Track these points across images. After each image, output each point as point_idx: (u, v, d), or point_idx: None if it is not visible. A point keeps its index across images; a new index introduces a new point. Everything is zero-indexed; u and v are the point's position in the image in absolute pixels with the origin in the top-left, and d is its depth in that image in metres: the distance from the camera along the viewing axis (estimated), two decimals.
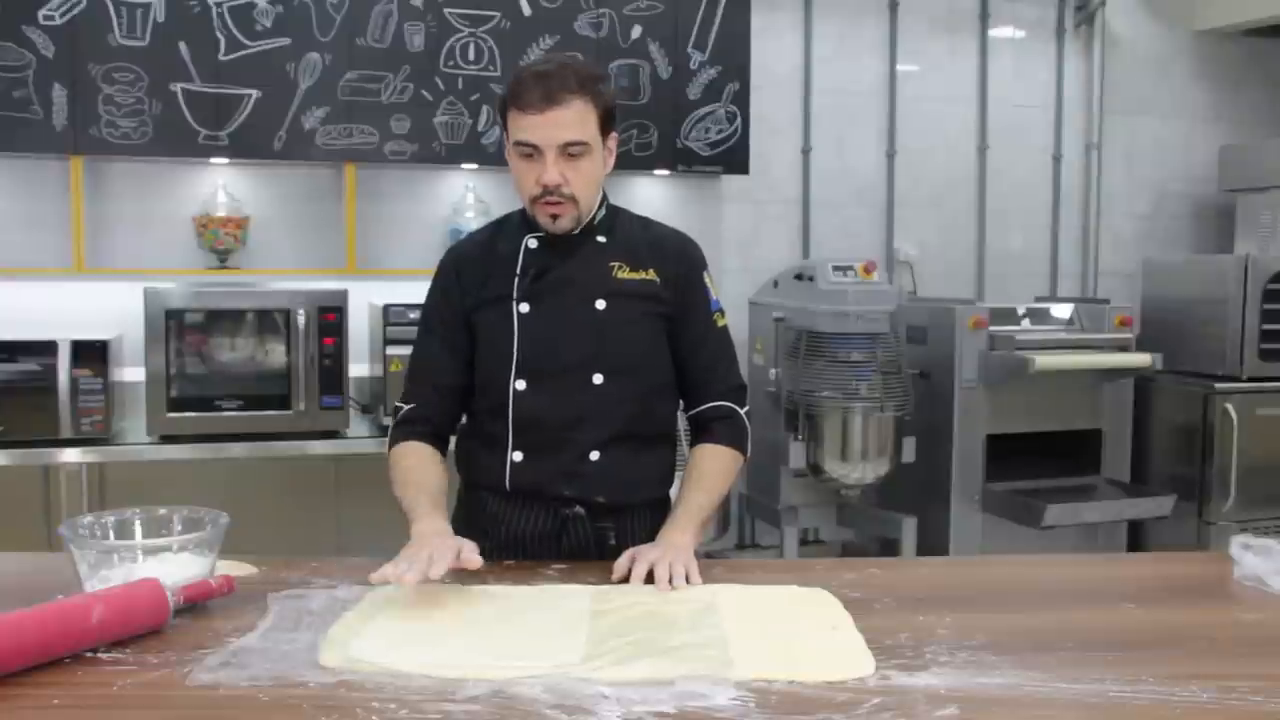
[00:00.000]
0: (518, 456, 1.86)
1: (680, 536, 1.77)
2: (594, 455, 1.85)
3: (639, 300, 1.87)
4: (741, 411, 1.96)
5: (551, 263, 1.86)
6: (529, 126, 1.74)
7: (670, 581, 1.63)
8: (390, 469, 1.87)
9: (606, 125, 1.81)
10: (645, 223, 1.97)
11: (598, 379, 1.84)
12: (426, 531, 1.66)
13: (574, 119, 1.74)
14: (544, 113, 1.73)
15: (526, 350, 1.84)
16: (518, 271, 1.87)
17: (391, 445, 1.90)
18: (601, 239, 1.89)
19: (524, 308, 1.85)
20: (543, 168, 1.76)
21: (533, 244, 1.88)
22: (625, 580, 1.67)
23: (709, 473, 1.90)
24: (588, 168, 1.79)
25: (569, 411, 1.84)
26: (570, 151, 1.76)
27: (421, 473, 1.83)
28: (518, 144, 1.77)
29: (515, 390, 1.84)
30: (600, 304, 1.85)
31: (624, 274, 1.87)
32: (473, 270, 1.91)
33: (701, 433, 1.95)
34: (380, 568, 1.52)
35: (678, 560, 1.68)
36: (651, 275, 1.88)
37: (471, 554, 1.58)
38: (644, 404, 1.89)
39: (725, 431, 1.94)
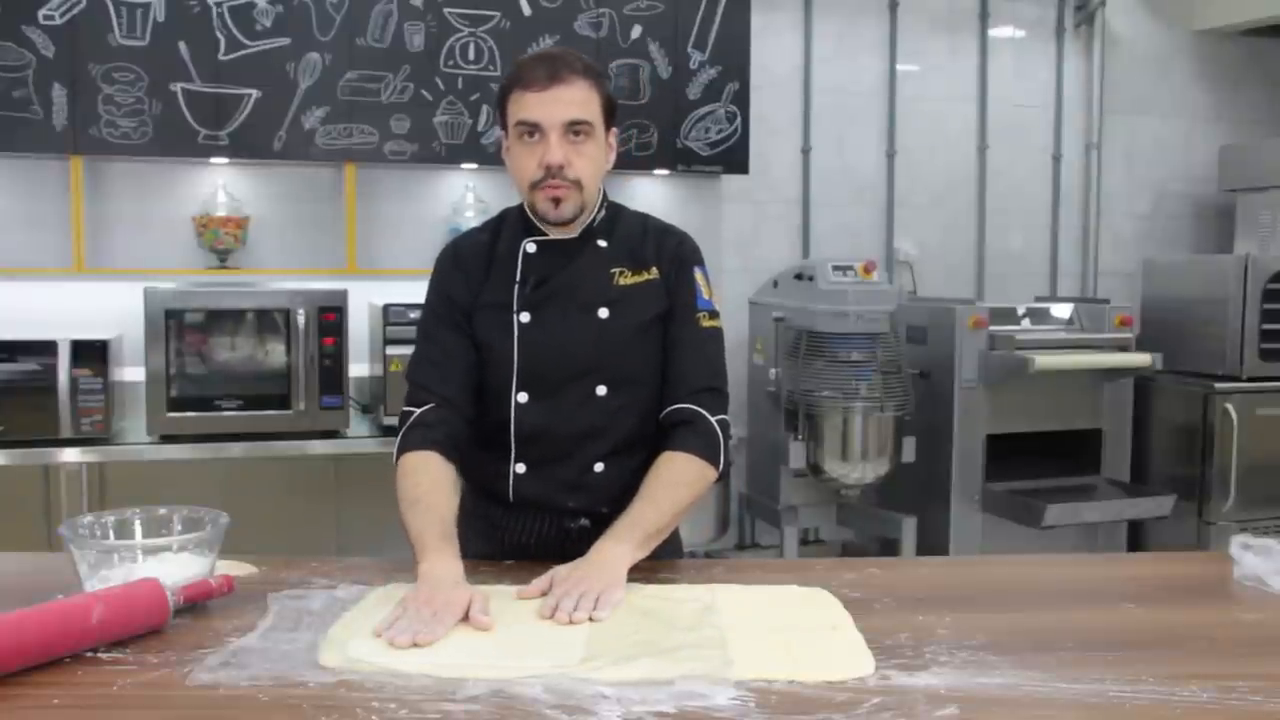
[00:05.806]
0: (520, 469, 1.82)
1: (613, 547, 1.62)
2: (598, 467, 1.81)
3: (642, 306, 1.81)
4: (711, 417, 1.79)
5: (551, 269, 1.80)
6: (532, 104, 1.70)
7: (571, 617, 1.46)
8: (398, 479, 1.71)
9: (608, 116, 1.77)
10: (645, 219, 1.92)
11: (601, 390, 1.79)
12: (436, 576, 1.51)
13: (578, 98, 1.71)
14: (548, 89, 1.69)
15: (527, 362, 1.79)
16: (517, 278, 1.81)
17: (401, 451, 1.74)
18: (602, 243, 1.83)
19: (524, 317, 1.79)
20: (545, 148, 1.70)
21: (531, 248, 1.81)
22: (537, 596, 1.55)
23: (661, 482, 1.73)
24: (591, 151, 1.74)
25: (573, 424, 1.79)
26: (574, 132, 1.71)
27: (434, 494, 1.67)
28: (520, 124, 1.72)
29: (517, 403, 1.79)
30: (603, 312, 1.79)
31: (626, 280, 1.81)
32: (474, 268, 1.84)
33: (664, 438, 1.79)
34: (385, 607, 1.46)
35: (592, 588, 1.51)
36: (653, 274, 1.83)
37: (480, 614, 1.43)
38: (647, 414, 1.83)
39: (687, 438, 1.77)
